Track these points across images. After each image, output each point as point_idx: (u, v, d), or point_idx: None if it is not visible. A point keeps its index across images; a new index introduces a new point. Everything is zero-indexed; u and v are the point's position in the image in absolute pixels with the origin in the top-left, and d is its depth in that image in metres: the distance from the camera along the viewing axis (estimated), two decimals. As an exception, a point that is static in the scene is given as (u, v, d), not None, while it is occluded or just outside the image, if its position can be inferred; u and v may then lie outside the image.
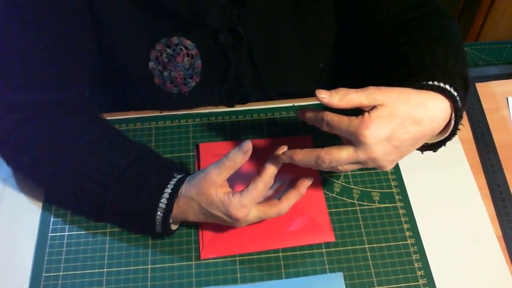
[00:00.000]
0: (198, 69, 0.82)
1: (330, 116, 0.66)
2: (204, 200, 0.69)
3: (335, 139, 0.85)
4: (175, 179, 0.71)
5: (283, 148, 0.71)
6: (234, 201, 0.68)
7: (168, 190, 0.70)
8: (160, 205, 0.69)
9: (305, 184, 0.74)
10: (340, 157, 0.66)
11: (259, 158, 0.81)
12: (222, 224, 0.72)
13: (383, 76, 0.79)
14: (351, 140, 0.65)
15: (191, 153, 0.84)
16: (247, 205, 0.68)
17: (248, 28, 0.80)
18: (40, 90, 0.75)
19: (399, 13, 0.81)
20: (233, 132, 0.87)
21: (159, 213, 0.70)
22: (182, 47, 0.79)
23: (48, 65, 0.74)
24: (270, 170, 0.69)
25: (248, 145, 0.67)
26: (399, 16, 0.81)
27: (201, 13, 0.74)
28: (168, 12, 0.74)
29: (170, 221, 0.71)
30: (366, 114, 0.64)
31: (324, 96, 0.65)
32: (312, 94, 0.81)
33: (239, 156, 0.67)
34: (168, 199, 0.69)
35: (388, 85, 0.67)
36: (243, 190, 0.69)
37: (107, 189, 0.70)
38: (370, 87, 0.66)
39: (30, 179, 0.78)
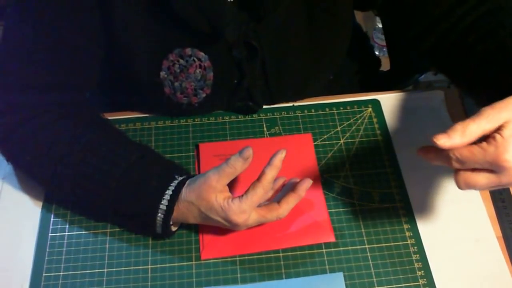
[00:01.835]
0: (209, 81, 0.81)
1: (459, 152, 0.59)
2: (204, 205, 0.69)
3: (335, 139, 0.85)
4: (176, 181, 0.71)
5: (282, 152, 0.71)
6: (234, 206, 0.68)
7: (169, 192, 0.70)
8: (161, 206, 0.69)
9: (304, 187, 0.73)
10: (477, 182, 0.60)
11: (259, 158, 0.81)
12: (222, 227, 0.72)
13: (467, 82, 0.75)
14: (491, 168, 0.59)
15: (191, 153, 0.84)
16: (246, 210, 0.68)
17: (263, 41, 0.79)
18: (42, 91, 0.75)
19: (452, 6, 0.75)
20: (233, 132, 0.87)
21: (159, 214, 0.70)
22: (195, 59, 0.78)
23: (52, 67, 0.74)
24: (269, 175, 0.69)
25: (248, 152, 0.66)
26: (453, 9, 0.75)
27: (219, 28, 0.73)
28: (184, 24, 0.73)
29: (171, 222, 0.71)
30: (498, 136, 0.57)
31: (445, 140, 0.58)
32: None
33: (239, 163, 0.67)
34: (168, 201, 0.69)
35: (481, 92, 0.62)
36: (242, 196, 0.68)
37: (108, 189, 0.70)
38: (483, 109, 0.59)
39: (30, 177, 0.78)
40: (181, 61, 0.78)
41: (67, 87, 0.77)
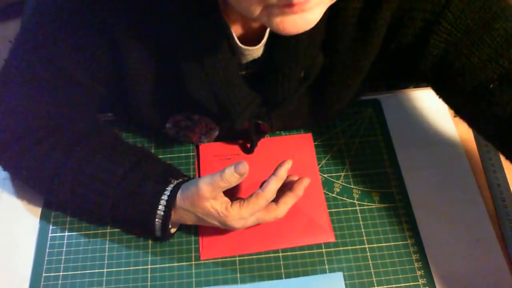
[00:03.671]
0: (214, 135, 0.82)
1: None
2: (200, 212, 0.69)
3: (335, 139, 0.85)
4: (172, 185, 0.71)
5: (288, 162, 0.70)
6: (233, 213, 0.68)
7: (164, 197, 0.69)
8: (158, 212, 0.69)
9: (302, 186, 0.73)
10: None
11: (260, 158, 0.81)
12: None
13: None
14: None
15: (191, 153, 0.84)
16: (245, 217, 0.68)
17: (274, 122, 0.80)
18: (37, 117, 0.73)
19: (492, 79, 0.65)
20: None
21: (157, 220, 0.70)
22: (202, 121, 0.78)
23: (51, 98, 0.72)
24: (273, 186, 0.69)
25: (244, 169, 0.65)
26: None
27: (231, 120, 0.72)
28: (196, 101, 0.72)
29: (169, 226, 0.71)
30: None
31: None
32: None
33: (234, 179, 0.66)
34: (165, 206, 0.69)
35: None
36: (242, 202, 0.68)
37: (106, 197, 0.70)
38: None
39: (28, 187, 0.77)
40: (188, 122, 0.78)
41: (63, 117, 0.75)
